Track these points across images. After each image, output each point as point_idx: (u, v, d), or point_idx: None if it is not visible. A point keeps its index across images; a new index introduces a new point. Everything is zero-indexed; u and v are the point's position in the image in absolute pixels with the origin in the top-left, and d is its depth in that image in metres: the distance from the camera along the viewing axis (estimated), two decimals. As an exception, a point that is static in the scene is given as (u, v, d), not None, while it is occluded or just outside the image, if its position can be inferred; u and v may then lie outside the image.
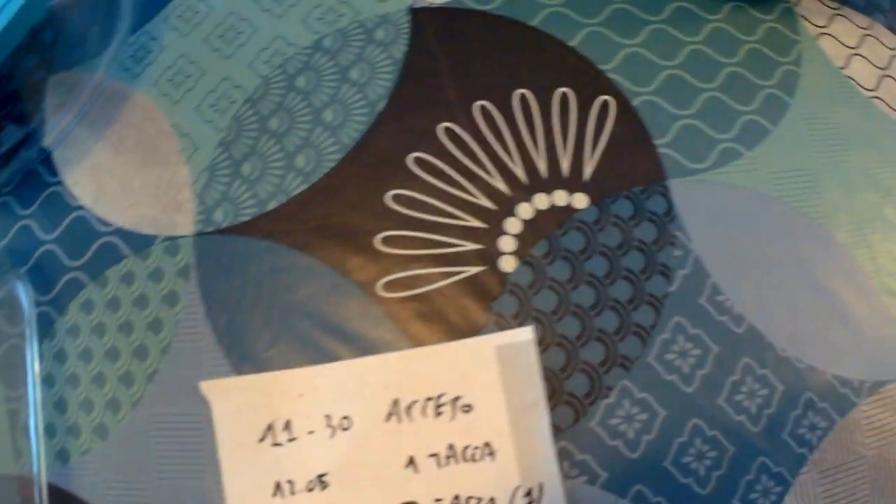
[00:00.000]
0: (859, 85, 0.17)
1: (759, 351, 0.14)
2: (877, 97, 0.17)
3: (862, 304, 0.15)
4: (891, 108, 0.17)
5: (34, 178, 0.16)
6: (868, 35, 0.18)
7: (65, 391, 0.14)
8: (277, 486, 0.13)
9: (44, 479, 0.14)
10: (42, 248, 0.15)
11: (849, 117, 0.16)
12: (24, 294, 0.15)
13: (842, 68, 0.17)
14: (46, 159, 0.16)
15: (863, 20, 0.18)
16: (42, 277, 0.15)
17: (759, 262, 0.14)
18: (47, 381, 0.15)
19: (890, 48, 0.18)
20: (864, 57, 0.17)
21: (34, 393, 0.14)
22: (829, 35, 0.17)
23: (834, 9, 0.18)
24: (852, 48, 0.17)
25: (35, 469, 0.14)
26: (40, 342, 0.15)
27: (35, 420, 0.14)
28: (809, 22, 0.17)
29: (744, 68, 0.16)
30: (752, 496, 0.13)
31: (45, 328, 0.15)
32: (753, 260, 0.14)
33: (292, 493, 0.13)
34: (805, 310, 0.14)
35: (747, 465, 0.13)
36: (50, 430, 0.14)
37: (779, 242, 0.15)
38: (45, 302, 0.15)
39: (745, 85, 0.16)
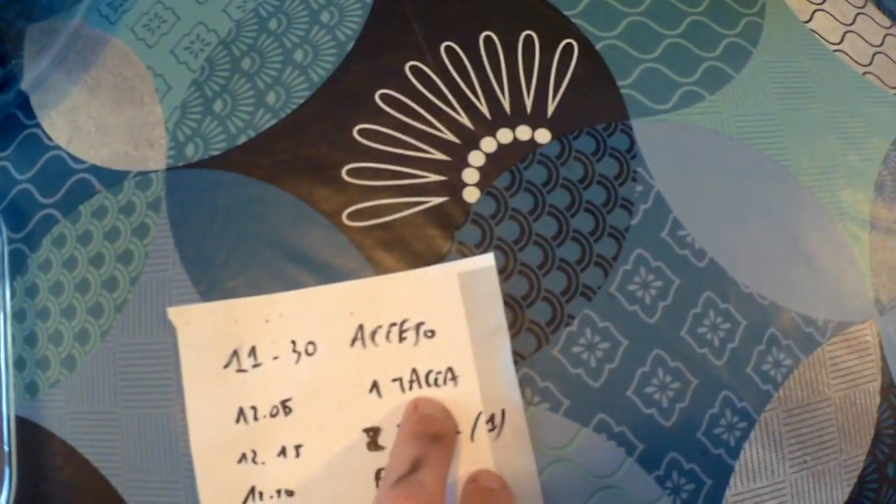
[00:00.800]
0: (823, 39, 0.17)
1: (722, 286, 0.14)
2: (841, 51, 0.17)
3: (825, 247, 0.15)
4: (855, 62, 0.17)
5: (11, 121, 0.16)
6: (833, -7, 0.18)
7: (35, 325, 0.15)
8: (241, 412, 0.14)
9: (12, 413, 0.14)
10: (17, 188, 0.16)
11: (813, 68, 0.17)
12: None
13: (806, 22, 0.17)
14: (24, 103, 0.17)
15: (828, -21, 0.19)
16: (16, 216, 0.16)
17: (721, 200, 0.15)
18: (18, 315, 0.15)
19: (855, 6, 0.18)
20: (828, 13, 0.18)
21: (6, 328, 0.15)
22: (794, -9, 0.18)
23: (799, -32, 0.18)
24: (817, 4, 0.18)
25: (3, 402, 0.14)
26: (13, 278, 0.15)
27: (6, 355, 0.15)
28: (774, -22, 0.18)
29: (707, 17, 0.16)
30: (717, 431, 0.13)
31: (18, 264, 0.15)
32: (716, 198, 0.15)
33: (255, 418, 0.14)
34: (769, 249, 0.15)
35: (711, 398, 0.14)
36: (20, 364, 0.15)
37: (742, 183, 0.15)
38: (18, 239, 0.15)
39: (707, 33, 0.16)
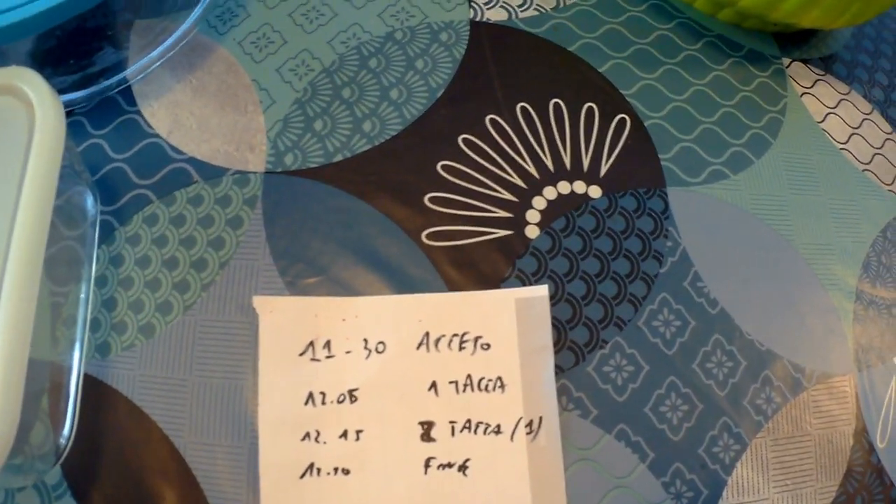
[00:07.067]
0: (832, 138, 0.30)
1: (729, 331, 0.25)
2: (846, 150, 0.30)
3: (816, 310, 0.26)
4: (857, 160, 0.30)
5: (110, 104, 0.26)
6: (845, 100, 0.31)
7: (116, 292, 0.23)
8: (310, 396, 0.23)
9: (82, 369, 0.22)
10: (111, 165, 0.25)
11: (821, 162, 0.29)
12: (90, 198, 0.24)
13: (819, 122, 0.30)
14: (125, 90, 0.26)
15: (843, 87, 0.32)
16: (108, 190, 0.25)
17: (734, 261, 0.26)
18: (99, 281, 0.24)
19: (863, 112, 0.31)
20: (839, 116, 0.31)
21: (88, 289, 0.23)
22: (812, 95, 0.31)
23: (819, 74, 0.31)
24: (830, 108, 0.31)
25: (75, 359, 0.22)
26: (97, 247, 0.24)
27: (84, 313, 0.23)
28: (796, 82, 0.31)
29: (737, 110, 0.29)
30: (715, 449, 0.23)
31: (105, 235, 0.24)
32: (730, 259, 0.26)
33: (323, 403, 0.23)
34: (769, 306, 0.26)
35: (713, 421, 0.24)
36: (94, 325, 0.23)
37: (752, 249, 0.26)
38: (107, 212, 0.24)
39: (736, 123, 0.28)
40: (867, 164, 0.31)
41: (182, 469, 0.22)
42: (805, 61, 0.31)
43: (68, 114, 0.27)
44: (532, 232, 0.25)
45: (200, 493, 0.22)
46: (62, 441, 0.23)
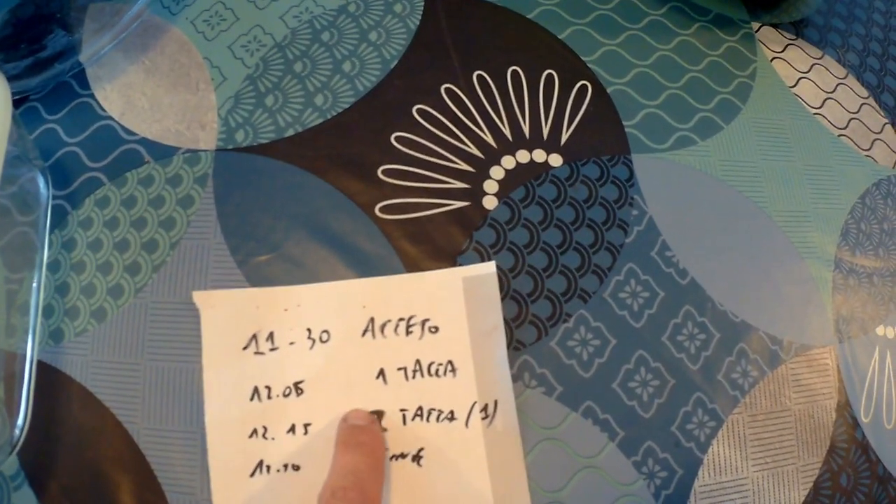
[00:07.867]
0: (806, 103, 0.28)
1: (700, 302, 0.23)
2: (820, 114, 0.28)
3: (792, 280, 0.24)
4: (832, 125, 0.28)
5: (65, 88, 0.25)
6: (818, 64, 0.29)
7: (68, 276, 0.22)
8: (255, 391, 0.21)
9: (35, 356, 0.21)
10: (64, 149, 0.24)
11: (794, 127, 0.27)
12: (43, 184, 0.23)
13: (791, 87, 0.28)
14: (79, 74, 0.25)
15: (815, 52, 0.30)
16: (61, 174, 0.23)
17: (704, 229, 0.24)
18: (52, 266, 0.22)
19: (837, 77, 0.29)
20: (812, 81, 0.29)
21: (40, 275, 0.22)
22: (783, 59, 0.29)
23: (790, 39, 0.29)
24: (803, 72, 0.29)
25: (28, 346, 0.21)
26: (51, 231, 0.22)
27: (36, 300, 0.21)
28: (766, 47, 0.29)
29: (704, 75, 0.27)
30: (689, 426, 0.21)
31: (58, 219, 0.23)
32: (700, 227, 0.24)
33: (269, 397, 0.21)
34: (742, 275, 0.24)
35: (685, 397, 0.22)
36: (47, 311, 0.22)
37: (723, 217, 0.24)
38: (60, 196, 0.23)
39: (704, 89, 0.26)
40: (843, 129, 0.29)
41: (136, 457, 0.20)
42: (775, 26, 0.29)
43: (23, 100, 0.26)
44: (490, 203, 0.23)
45: (155, 480, 0.20)
46: (16, 431, 0.21)
